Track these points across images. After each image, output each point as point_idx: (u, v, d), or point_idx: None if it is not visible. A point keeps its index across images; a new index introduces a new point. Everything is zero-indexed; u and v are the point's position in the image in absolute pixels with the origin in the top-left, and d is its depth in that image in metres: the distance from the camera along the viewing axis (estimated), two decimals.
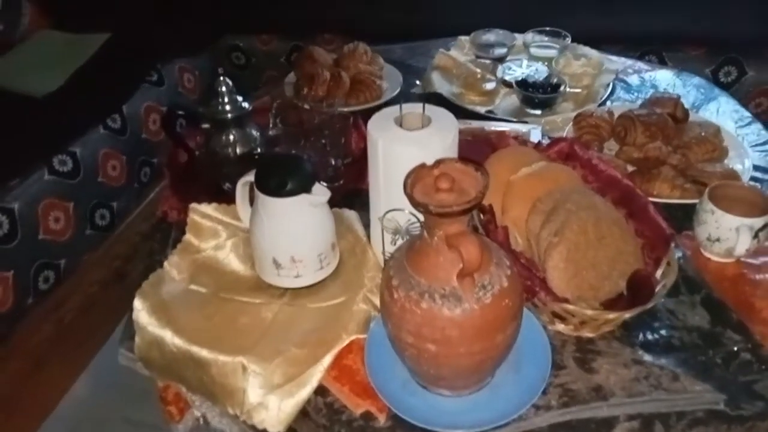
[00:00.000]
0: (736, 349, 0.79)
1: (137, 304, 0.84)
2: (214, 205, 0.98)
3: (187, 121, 1.14)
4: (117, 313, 1.59)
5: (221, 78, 1.07)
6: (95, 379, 1.48)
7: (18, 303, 1.33)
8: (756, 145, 1.13)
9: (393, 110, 0.84)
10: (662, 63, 1.70)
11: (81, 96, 1.59)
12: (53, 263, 1.40)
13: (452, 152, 0.81)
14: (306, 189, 0.82)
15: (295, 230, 0.83)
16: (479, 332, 0.65)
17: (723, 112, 1.25)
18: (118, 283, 1.56)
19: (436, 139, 0.79)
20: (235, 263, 0.92)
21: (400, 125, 0.81)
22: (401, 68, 1.44)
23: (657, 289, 0.77)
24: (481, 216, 0.88)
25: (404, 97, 1.35)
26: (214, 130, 1.10)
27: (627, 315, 0.75)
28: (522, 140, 1.00)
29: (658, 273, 0.81)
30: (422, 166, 0.65)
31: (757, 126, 1.19)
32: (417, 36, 1.63)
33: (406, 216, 0.82)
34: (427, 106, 0.83)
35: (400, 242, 0.85)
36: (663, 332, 0.81)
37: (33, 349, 1.40)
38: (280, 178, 0.81)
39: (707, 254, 0.91)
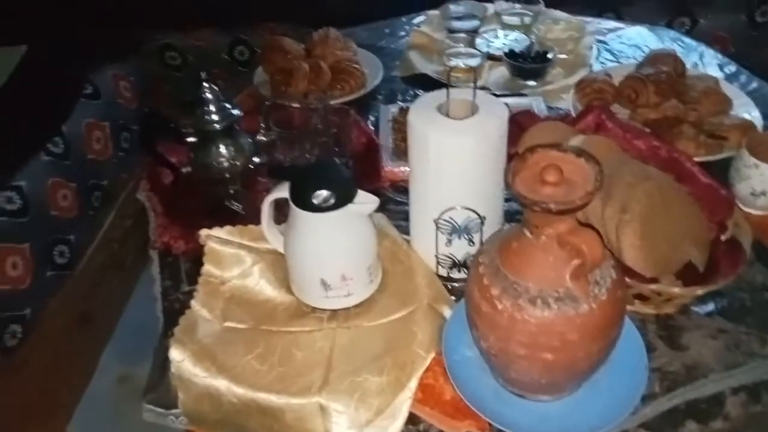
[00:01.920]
0: None
1: (175, 354, 0.73)
2: (228, 228, 0.86)
3: (167, 136, 1.01)
4: (88, 360, 1.44)
5: (205, 84, 0.95)
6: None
7: None
8: (749, 93, 1.14)
9: (430, 99, 0.76)
10: (620, 19, 1.70)
11: (14, 121, 1.39)
12: (17, 315, 1.23)
13: (506, 139, 0.75)
14: (351, 198, 0.73)
15: (344, 245, 0.75)
16: (598, 332, 0.59)
17: (708, 64, 1.26)
18: (85, 327, 1.39)
19: (491, 126, 0.72)
20: (268, 290, 0.82)
21: (447, 115, 0.74)
22: (373, 51, 1.35)
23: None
24: None
25: (389, 81, 1.27)
26: (201, 143, 0.98)
27: (719, 286, 0.72)
28: (547, 116, 0.95)
29: (725, 236, 0.79)
30: (522, 155, 0.58)
31: (744, 74, 1.20)
32: (368, 16, 1.54)
33: (464, 214, 0.76)
34: (466, 91, 0.76)
35: (456, 243, 0.79)
36: (734, 296, 0.79)
37: (6, 414, 1.22)
38: (322, 191, 0.72)
39: (747, 209, 0.90)
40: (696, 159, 0.95)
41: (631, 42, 1.35)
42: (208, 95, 0.95)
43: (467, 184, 0.74)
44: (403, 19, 1.50)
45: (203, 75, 0.96)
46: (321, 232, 0.73)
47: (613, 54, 1.32)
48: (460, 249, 0.79)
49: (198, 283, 0.82)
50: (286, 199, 0.74)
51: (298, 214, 0.73)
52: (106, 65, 1.67)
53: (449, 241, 0.78)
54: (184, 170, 1.01)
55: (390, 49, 1.39)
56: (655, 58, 1.13)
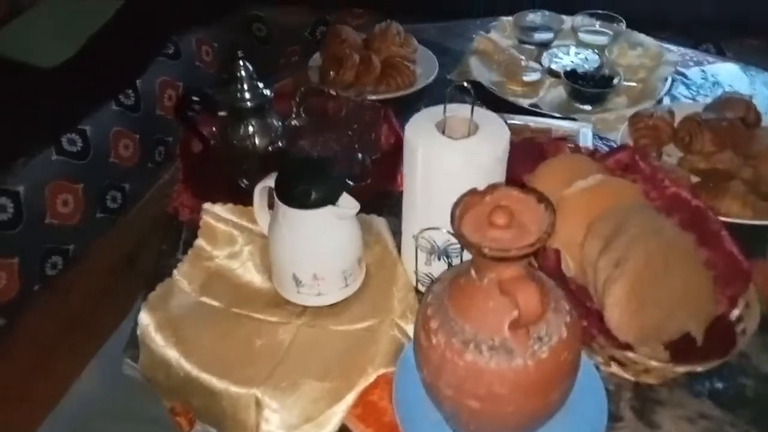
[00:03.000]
0: None
1: (143, 318, 0.76)
2: (229, 206, 0.88)
3: (203, 108, 1.04)
4: (127, 300, 1.54)
5: (240, 61, 0.97)
6: (103, 370, 1.42)
7: (24, 290, 1.27)
8: None
9: (435, 112, 0.73)
10: (720, 53, 1.55)
11: (92, 69, 1.49)
12: (61, 248, 1.33)
13: (502, 165, 0.71)
14: (332, 200, 0.72)
15: (318, 245, 0.74)
16: (532, 391, 0.55)
17: None
18: (128, 269, 1.49)
19: (485, 149, 0.68)
20: (251, 274, 0.83)
21: (443, 131, 0.71)
22: (436, 51, 1.32)
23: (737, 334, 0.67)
24: None
25: (440, 84, 1.24)
26: (231, 119, 1.00)
27: (700, 368, 0.65)
28: (575, 147, 0.89)
29: (734, 313, 0.70)
30: (473, 192, 0.55)
31: None
32: (455, 14, 1.51)
33: (445, 236, 0.73)
34: (476, 109, 0.73)
35: (435, 263, 0.76)
36: (734, 380, 0.71)
37: (39, 338, 1.33)
38: (304, 187, 0.71)
39: None
40: (741, 221, 0.86)
41: (715, 79, 1.23)
42: (242, 73, 0.97)
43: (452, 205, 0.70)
44: (478, 22, 1.45)
45: (240, 53, 0.98)
46: (297, 229, 0.73)
47: (690, 89, 1.21)
48: (439, 270, 0.76)
49: (186, 254, 0.84)
50: None
51: (279, 205, 0.73)
52: (192, 28, 1.75)
53: (429, 261, 0.76)
54: (212, 142, 1.04)
55: (454, 50, 1.35)
56: (725, 101, 1.02)
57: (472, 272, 0.55)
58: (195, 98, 1.02)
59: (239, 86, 0.97)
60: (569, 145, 0.90)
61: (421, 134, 0.70)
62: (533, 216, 0.53)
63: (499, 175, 0.72)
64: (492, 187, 0.55)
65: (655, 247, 0.69)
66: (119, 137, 1.44)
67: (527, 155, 0.85)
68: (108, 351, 1.43)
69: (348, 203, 0.73)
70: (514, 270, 0.52)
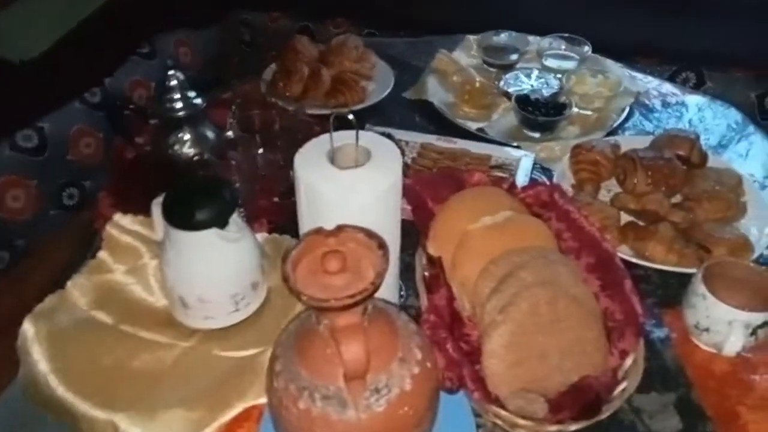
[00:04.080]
0: None
1: (25, 330, 0.74)
2: (140, 217, 0.87)
3: (136, 115, 1.03)
4: None
5: (172, 71, 0.96)
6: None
7: None
8: None
9: (327, 141, 0.71)
10: (700, 83, 1.50)
11: (62, 65, 1.49)
12: (10, 243, 1.34)
13: (393, 197, 0.68)
14: (218, 223, 0.70)
15: (203, 268, 0.72)
16: None
17: (754, 155, 1.07)
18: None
19: (372, 181, 0.65)
20: (149, 290, 0.81)
21: (332, 161, 0.68)
22: (399, 66, 1.29)
23: (614, 393, 0.63)
24: (429, 269, 0.76)
25: (393, 101, 1.21)
26: (163, 128, 0.99)
27: (571, 429, 0.61)
28: (497, 179, 0.85)
29: (623, 369, 0.67)
30: (317, 232, 0.52)
31: None
32: (445, 29, 1.47)
33: None
34: (369, 136, 0.70)
35: None
36: None
37: None
38: (189, 208, 0.69)
39: (695, 341, 0.76)
40: (665, 267, 0.82)
41: (678, 111, 1.18)
42: (173, 83, 0.96)
43: None
44: (447, 39, 1.41)
45: (170, 62, 0.97)
46: (182, 249, 0.71)
47: (651, 122, 1.16)
48: None
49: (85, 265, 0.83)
50: None
51: (165, 224, 0.72)
52: (172, 29, 1.74)
53: None
54: (145, 149, 1.03)
55: (416, 67, 1.31)
56: (669, 139, 0.98)
57: (313, 317, 0.52)
58: (130, 105, 1.01)
59: (171, 96, 0.96)
60: (492, 176, 0.87)
61: (306, 164, 0.67)
62: (373, 262, 0.50)
63: (392, 206, 0.69)
64: (337, 230, 0.52)
65: (543, 295, 0.65)
66: (80, 135, 1.45)
67: (442, 185, 0.82)
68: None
69: (235, 227, 0.71)
70: (347, 318, 0.49)
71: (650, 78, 1.27)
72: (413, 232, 0.81)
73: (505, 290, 0.67)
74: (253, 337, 0.76)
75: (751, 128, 1.14)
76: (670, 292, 0.82)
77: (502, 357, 0.64)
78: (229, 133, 1.02)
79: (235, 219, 0.72)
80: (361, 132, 0.68)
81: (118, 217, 0.86)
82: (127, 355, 0.73)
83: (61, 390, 0.69)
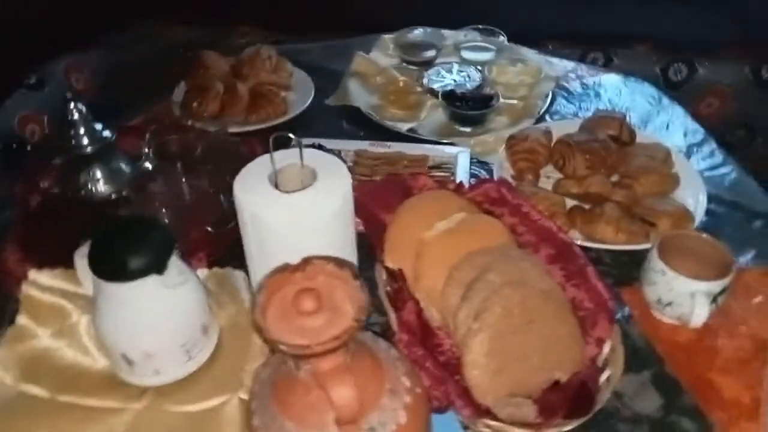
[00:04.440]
0: None
1: None
2: (59, 271, 0.77)
3: (36, 156, 0.93)
4: None
5: (72, 104, 0.87)
6: None
7: None
8: (710, 169, 1.00)
9: (268, 162, 0.66)
10: (608, 61, 1.56)
11: None
12: None
13: (345, 216, 0.64)
14: (156, 268, 0.63)
15: (145, 320, 0.65)
16: None
17: (673, 126, 1.11)
18: None
19: (320, 202, 0.61)
20: (84, 351, 0.72)
21: (275, 184, 0.63)
22: (317, 73, 1.24)
23: (601, 383, 0.63)
24: (391, 283, 0.72)
25: (317, 110, 1.16)
26: (69, 167, 0.89)
27: (566, 429, 0.59)
28: (441, 181, 0.83)
29: (602, 356, 0.66)
30: (281, 270, 0.47)
31: (710, 145, 1.06)
32: (350, 28, 1.43)
33: None
34: (310, 152, 0.66)
35: None
36: (609, 425, 0.66)
37: None
38: (120, 256, 0.62)
39: (657, 315, 0.77)
40: (615, 247, 0.83)
41: (596, 91, 1.21)
42: (75, 116, 0.87)
43: None
44: (362, 39, 1.38)
45: (68, 95, 0.87)
46: (118, 303, 0.64)
47: (572, 103, 1.18)
48: None
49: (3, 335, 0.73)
50: None
51: (95, 278, 0.63)
52: (59, 55, 1.60)
53: None
54: (51, 191, 0.93)
55: (335, 71, 1.27)
56: (598, 120, 0.99)
57: (290, 362, 0.47)
58: (25, 146, 0.91)
59: (74, 132, 0.87)
60: (436, 178, 0.84)
61: (249, 189, 0.62)
62: (349, 294, 0.46)
63: (342, 225, 0.65)
64: (304, 262, 0.47)
65: (514, 295, 0.64)
66: None
67: (389, 194, 0.79)
68: None
69: (177, 270, 0.64)
70: (331, 361, 0.45)
71: (565, 61, 1.30)
72: (366, 245, 0.77)
73: (475, 296, 0.65)
74: (210, 385, 0.69)
75: (666, 101, 1.18)
76: (623, 270, 0.83)
77: (485, 366, 0.61)
78: (146, 164, 0.93)
79: (174, 260, 0.65)
80: (292, 154, 0.64)
81: (34, 274, 0.77)
82: (73, 430, 0.64)
83: None
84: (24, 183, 0.92)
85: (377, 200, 0.77)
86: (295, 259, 0.58)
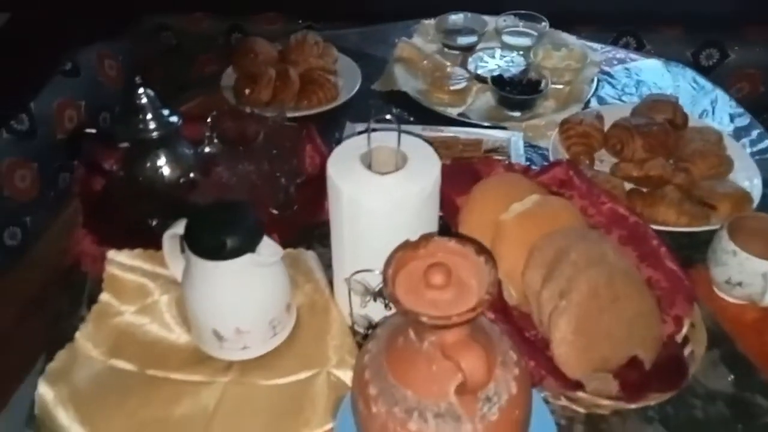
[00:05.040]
0: None
1: (43, 394, 0.66)
2: (138, 251, 0.79)
3: (101, 141, 0.94)
4: (35, 345, 1.41)
5: (140, 88, 0.87)
6: (14, 423, 1.28)
7: None
8: (760, 153, 1.02)
9: (358, 143, 0.67)
10: (640, 45, 1.56)
11: None
12: None
13: (434, 199, 0.65)
14: (250, 248, 0.64)
15: (239, 298, 0.66)
16: None
17: (719, 112, 1.13)
18: (35, 312, 1.35)
19: (416, 185, 0.62)
20: (167, 328, 0.74)
21: (369, 165, 0.64)
22: (358, 59, 1.25)
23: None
24: None
25: (365, 96, 1.17)
26: (135, 152, 0.90)
27: (652, 402, 0.62)
28: (509, 164, 0.84)
29: (681, 334, 0.68)
30: (405, 246, 0.49)
31: (757, 128, 1.08)
32: (377, 17, 1.43)
33: (378, 277, 0.66)
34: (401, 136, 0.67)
35: (371, 305, 0.70)
36: (683, 401, 0.68)
37: None
38: (217, 236, 0.63)
39: (722, 295, 0.79)
40: (677, 229, 0.85)
41: (639, 77, 1.22)
42: (144, 101, 0.87)
43: (383, 246, 0.64)
44: (399, 26, 1.39)
45: (138, 80, 0.88)
46: (214, 281, 0.65)
47: (615, 89, 1.19)
48: (376, 311, 0.70)
49: (89, 311, 0.75)
50: None
51: (190, 257, 0.65)
52: (92, 42, 1.60)
53: (363, 303, 0.70)
54: (116, 177, 0.94)
55: (376, 57, 1.28)
56: (652, 104, 1.01)
57: (411, 334, 0.49)
58: (90, 131, 0.92)
59: (142, 116, 0.88)
60: (502, 162, 0.86)
61: (344, 172, 0.63)
62: (472, 269, 0.48)
63: (432, 208, 0.66)
64: (426, 239, 0.49)
65: (599, 275, 0.65)
66: (14, 168, 1.30)
67: (460, 177, 0.80)
68: (10, 414, 1.29)
69: (269, 249, 0.66)
70: (456, 334, 0.47)
71: (605, 47, 1.31)
72: (440, 226, 0.78)
73: (559, 276, 0.66)
74: (295, 361, 0.71)
75: (709, 85, 1.20)
76: (684, 252, 0.84)
77: (573, 343, 0.63)
78: (207, 149, 0.95)
79: (266, 240, 0.66)
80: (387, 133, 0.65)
81: (113, 254, 0.78)
82: (166, 403, 0.67)
83: None
84: (88, 167, 0.93)
85: (449, 183, 0.79)
86: (387, 241, 0.60)
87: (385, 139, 0.66)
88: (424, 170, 0.64)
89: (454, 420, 0.49)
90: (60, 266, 1.38)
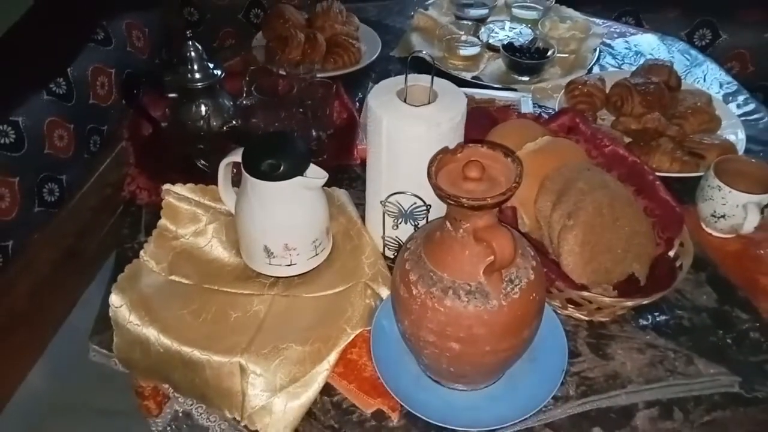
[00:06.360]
0: (745, 327, 0.78)
1: (115, 300, 0.76)
2: (190, 185, 0.89)
3: (150, 89, 1.03)
4: (71, 294, 1.50)
5: (189, 42, 0.97)
6: (53, 366, 1.38)
7: None
8: (745, 114, 1.12)
9: (395, 82, 0.77)
10: (639, 25, 1.66)
11: (19, 57, 1.42)
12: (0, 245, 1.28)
13: (461, 129, 0.75)
14: (301, 171, 0.74)
15: (289, 216, 0.76)
16: (507, 329, 0.60)
17: (709, 79, 1.23)
18: (70, 262, 1.44)
19: (445, 116, 0.72)
20: (218, 250, 0.84)
21: (404, 99, 0.74)
22: (377, 29, 1.35)
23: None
24: None
25: (384, 60, 1.27)
26: (182, 100, 1.00)
27: (646, 301, 0.72)
28: (521, 113, 0.94)
29: (671, 253, 0.78)
30: (446, 150, 0.59)
31: (743, 95, 1.18)
32: None
33: (411, 199, 0.76)
34: (428, 78, 0.76)
35: (402, 227, 0.80)
36: (673, 313, 0.79)
37: None
38: (272, 160, 0.73)
39: (708, 230, 0.89)
40: (670, 174, 0.95)
41: (637, 49, 1.33)
42: (192, 54, 0.97)
43: (416, 170, 0.73)
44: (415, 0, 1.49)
45: (188, 33, 0.97)
46: (267, 201, 0.75)
47: (616, 59, 1.30)
48: (406, 233, 0.79)
49: (152, 234, 0.84)
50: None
51: (247, 179, 0.75)
52: (121, 13, 1.69)
53: (396, 225, 0.80)
54: (162, 124, 1.04)
55: (394, 28, 1.39)
56: (650, 68, 1.11)
57: (448, 225, 0.59)
58: (143, 80, 1.01)
59: (190, 67, 0.97)
60: (515, 111, 0.96)
61: (384, 104, 0.73)
62: (501, 169, 0.57)
63: (458, 138, 0.76)
64: (462, 146, 0.59)
65: (603, 198, 0.75)
66: (53, 127, 1.39)
67: (479, 121, 0.90)
68: (57, 347, 1.39)
69: (316, 173, 0.75)
70: (487, 219, 0.57)
71: (607, 21, 1.41)
72: None
73: (567, 200, 0.76)
74: (334, 276, 0.80)
75: (701, 57, 1.30)
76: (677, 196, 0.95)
77: (579, 254, 0.73)
78: (246, 101, 1.04)
79: (313, 167, 0.76)
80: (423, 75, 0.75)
81: (169, 186, 0.88)
82: (222, 309, 0.76)
83: (176, 345, 0.71)
84: (137, 114, 1.02)
85: (470, 125, 0.88)
86: (419, 165, 0.69)
87: (417, 79, 0.75)
88: (452, 104, 0.73)
89: (482, 296, 0.59)
90: (93, 220, 1.48)
